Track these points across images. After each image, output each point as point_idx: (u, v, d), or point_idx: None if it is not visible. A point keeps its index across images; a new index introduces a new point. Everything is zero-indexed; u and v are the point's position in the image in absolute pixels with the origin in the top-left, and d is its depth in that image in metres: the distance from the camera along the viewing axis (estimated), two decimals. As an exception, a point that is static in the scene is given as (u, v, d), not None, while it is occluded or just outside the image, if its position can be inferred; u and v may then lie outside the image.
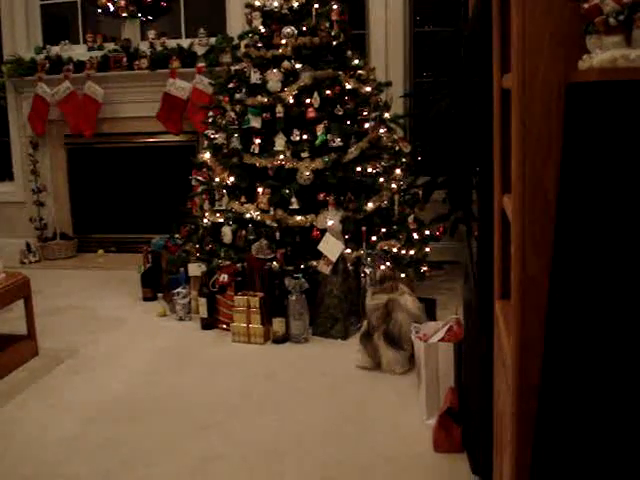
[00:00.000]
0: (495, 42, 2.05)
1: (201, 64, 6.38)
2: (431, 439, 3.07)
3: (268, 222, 4.71)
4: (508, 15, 1.85)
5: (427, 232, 5.15)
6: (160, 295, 5.35)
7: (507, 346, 1.79)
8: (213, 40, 6.49)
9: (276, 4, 4.96)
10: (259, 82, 4.90)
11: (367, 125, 4.97)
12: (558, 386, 1.39)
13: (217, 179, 5.02)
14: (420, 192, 5.38)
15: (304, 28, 4.90)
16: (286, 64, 4.85)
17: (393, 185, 4.99)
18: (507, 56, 1.96)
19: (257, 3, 5.05)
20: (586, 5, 1.24)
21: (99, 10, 6.68)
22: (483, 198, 2.47)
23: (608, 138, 1.22)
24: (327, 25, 4.95)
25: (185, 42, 6.61)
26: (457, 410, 3.00)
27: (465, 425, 2.97)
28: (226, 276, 4.61)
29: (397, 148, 5.22)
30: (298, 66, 4.86)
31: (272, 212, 4.71)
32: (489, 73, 2.21)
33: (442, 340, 3.20)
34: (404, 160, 5.24)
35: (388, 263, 4.35)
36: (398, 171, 5.09)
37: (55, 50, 6.93)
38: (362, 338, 3.90)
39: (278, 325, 4.40)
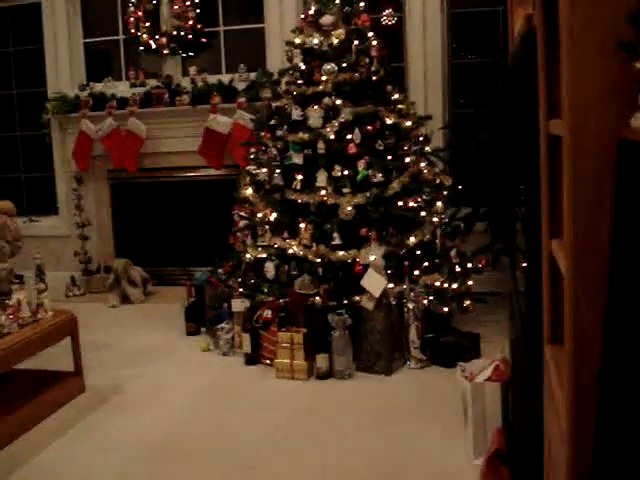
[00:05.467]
0: (541, 88, 2.05)
1: (242, 99, 6.45)
2: (479, 480, 3.04)
3: (310, 257, 4.72)
4: (554, 60, 1.86)
5: (469, 264, 5.12)
6: (203, 329, 5.39)
7: (560, 395, 1.77)
8: (253, 75, 6.57)
9: (316, 41, 5.02)
10: (300, 119, 4.95)
11: (408, 159, 4.99)
12: (613, 437, 1.38)
13: (259, 215, 5.06)
14: (462, 224, 5.36)
15: (344, 64, 4.94)
16: (327, 100, 4.89)
17: (435, 218, 4.98)
18: (553, 101, 1.97)
19: (297, 41, 5.11)
20: (638, 65, 1.25)
21: (141, 48, 6.83)
22: (531, 240, 2.46)
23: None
24: (367, 61, 4.98)
25: (225, 78, 6.70)
26: (505, 451, 2.97)
27: (513, 467, 2.93)
28: (269, 312, 4.63)
29: (438, 181, 5.22)
30: (339, 102, 4.89)
31: (314, 248, 4.72)
32: (533, 110, 2.20)
33: (488, 379, 3.18)
34: (445, 193, 5.23)
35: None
36: (439, 204, 5.08)
37: (98, 87, 7.08)
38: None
39: (322, 361, 4.41)
